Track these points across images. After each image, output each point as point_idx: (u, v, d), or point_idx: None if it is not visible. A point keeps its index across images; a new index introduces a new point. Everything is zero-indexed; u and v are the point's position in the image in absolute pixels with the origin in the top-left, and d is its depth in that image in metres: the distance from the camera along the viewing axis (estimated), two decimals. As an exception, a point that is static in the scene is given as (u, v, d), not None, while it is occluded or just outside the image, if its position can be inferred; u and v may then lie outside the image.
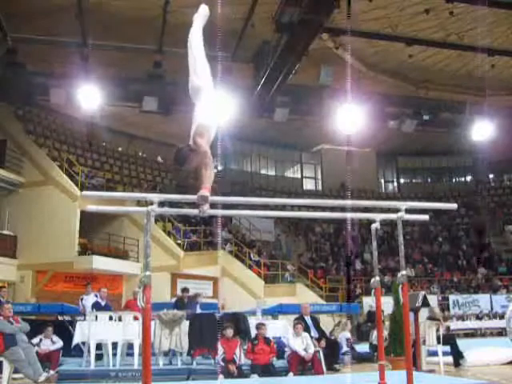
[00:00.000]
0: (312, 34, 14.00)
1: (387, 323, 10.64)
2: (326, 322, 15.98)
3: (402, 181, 34.35)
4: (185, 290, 12.61)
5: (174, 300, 13.59)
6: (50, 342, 9.95)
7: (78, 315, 11.97)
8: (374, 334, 12.89)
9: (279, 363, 10.44)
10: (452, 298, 22.87)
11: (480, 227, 28.16)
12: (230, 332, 9.59)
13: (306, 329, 10.70)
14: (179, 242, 20.80)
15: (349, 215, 6.66)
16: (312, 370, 9.83)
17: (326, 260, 25.95)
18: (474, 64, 18.04)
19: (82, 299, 12.11)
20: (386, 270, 23.31)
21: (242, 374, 9.23)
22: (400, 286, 5.68)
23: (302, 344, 9.94)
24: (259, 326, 10.11)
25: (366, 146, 28.17)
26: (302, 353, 9.77)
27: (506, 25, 17.08)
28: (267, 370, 9.34)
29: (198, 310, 11.77)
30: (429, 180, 34.24)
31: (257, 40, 15.79)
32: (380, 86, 19.94)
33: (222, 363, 9.19)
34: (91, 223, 19.13)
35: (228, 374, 9.01)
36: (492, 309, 22.20)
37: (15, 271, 18.27)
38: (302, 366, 9.88)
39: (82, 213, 18.02)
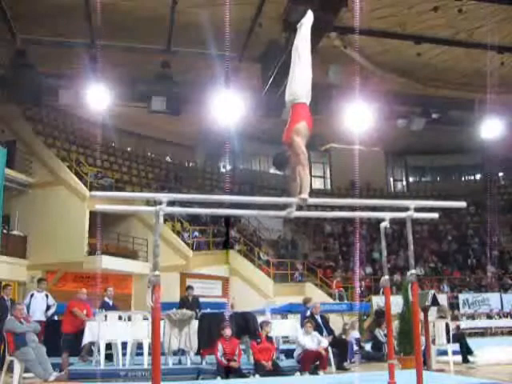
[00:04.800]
0: (320, 32, 13.96)
1: (396, 322, 10.62)
2: (336, 321, 16.00)
3: (410, 179, 34.25)
4: (189, 288, 12.53)
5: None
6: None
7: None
8: (380, 331, 12.93)
9: (286, 363, 10.47)
10: (462, 296, 22.74)
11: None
12: (228, 331, 9.59)
13: (317, 327, 10.72)
14: (188, 241, 20.84)
15: (358, 214, 6.67)
16: (319, 368, 9.86)
17: (335, 259, 25.91)
18: (484, 62, 17.91)
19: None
20: (396, 269, 23.27)
21: (242, 374, 9.24)
22: (409, 285, 5.67)
23: (313, 342, 9.96)
24: (263, 324, 10.13)
25: (375, 145, 28.11)
26: (315, 347, 9.79)
27: (516, 22, 16.96)
28: (272, 371, 9.32)
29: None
30: (438, 179, 34.13)
31: (264, 39, 15.78)
32: (388, 84, 19.84)
33: (224, 362, 9.19)
34: (100, 223, 19.18)
35: (230, 374, 9.01)
36: (502, 307, 22.07)
37: (25, 271, 18.33)
38: (312, 363, 9.90)
39: (91, 213, 18.09)
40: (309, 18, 5.84)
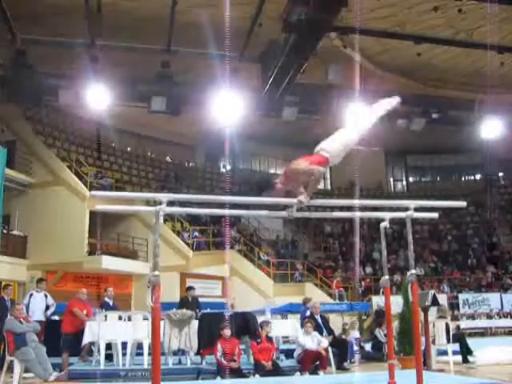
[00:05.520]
0: (320, 33, 13.96)
1: (396, 322, 10.62)
2: (336, 321, 15.99)
3: (410, 179, 34.27)
4: (190, 288, 12.51)
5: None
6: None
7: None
8: (380, 331, 12.93)
9: (286, 363, 10.44)
10: (462, 296, 22.75)
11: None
12: (228, 332, 9.58)
13: (317, 327, 10.71)
14: (188, 241, 20.83)
15: (358, 214, 6.66)
16: (319, 368, 9.86)
17: (335, 259, 25.91)
18: (484, 62, 17.91)
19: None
20: (396, 269, 23.27)
21: (242, 374, 9.24)
22: (409, 285, 5.67)
23: (313, 342, 9.95)
24: (263, 324, 10.14)
25: (375, 145, 28.05)
26: (315, 347, 9.79)
27: (516, 22, 16.96)
28: (272, 371, 9.31)
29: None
30: (438, 178, 34.14)
31: (264, 39, 15.77)
32: (388, 84, 19.81)
33: (224, 362, 9.19)
34: (100, 223, 19.18)
35: (229, 374, 9.00)
36: (502, 307, 22.08)
37: (25, 271, 18.30)
38: (312, 363, 9.89)
39: (91, 213, 18.08)
40: (393, 102, 5.85)
